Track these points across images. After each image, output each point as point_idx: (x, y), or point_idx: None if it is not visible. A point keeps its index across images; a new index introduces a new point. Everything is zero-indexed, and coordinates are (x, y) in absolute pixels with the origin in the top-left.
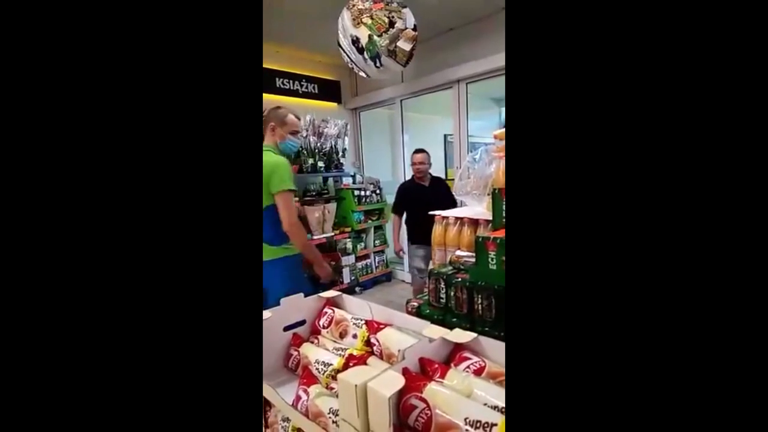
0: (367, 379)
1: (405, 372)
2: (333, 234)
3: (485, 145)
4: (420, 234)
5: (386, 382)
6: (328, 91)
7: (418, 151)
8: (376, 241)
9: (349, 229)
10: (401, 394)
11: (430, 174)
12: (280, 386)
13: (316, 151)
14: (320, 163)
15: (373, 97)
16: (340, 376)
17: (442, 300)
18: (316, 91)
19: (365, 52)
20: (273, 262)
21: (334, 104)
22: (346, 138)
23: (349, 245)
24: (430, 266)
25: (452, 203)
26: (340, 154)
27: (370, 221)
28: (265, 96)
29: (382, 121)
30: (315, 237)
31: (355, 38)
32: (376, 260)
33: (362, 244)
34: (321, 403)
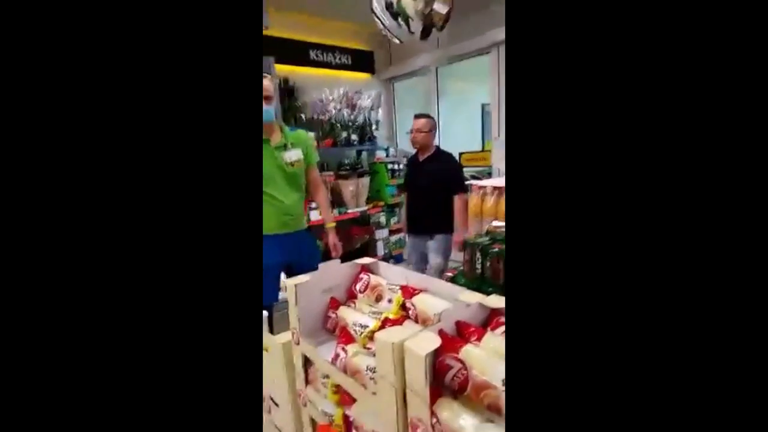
0: (404, 338)
1: (441, 334)
2: (366, 208)
3: None
4: (412, 221)
5: (423, 341)
6: (362, 61)
7: (419, 116)
8: None
9: (382, 203)
10: (437, 354)
11: (437, 147)
12: (320, 345)
13: (350, 124)
14: (354, 136)
15: (408, 66)
16: (377, 335)
17: (477, 270)
18: (350, 62)
19: (399, 17)
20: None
21: (368, 75)
22: (379, 110)
23: (383, 219)
24: (451, 254)
25: (458, 186)
26: (374, 126)
27: (403, 195)
28: (298, 69)
29: (416, 92)
30: (349, 211)
31: (388, 3)
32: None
33: (395, 218)
34: (358, 360)
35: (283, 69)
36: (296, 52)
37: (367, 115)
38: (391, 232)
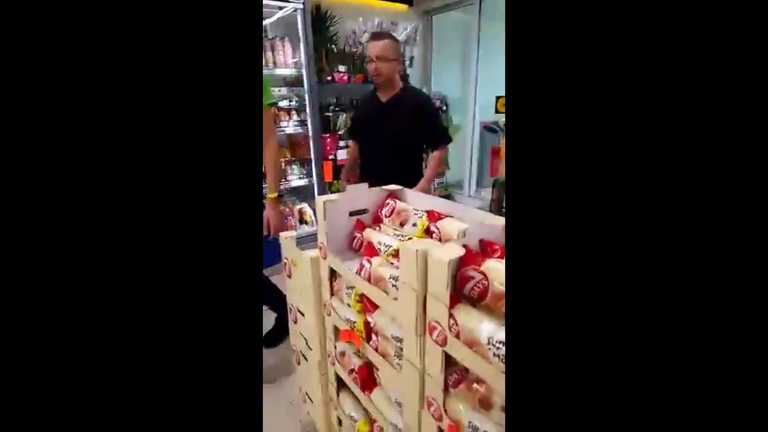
0: (428, 248)
1: (465, 248)
2: None
3: None
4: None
5: (446, 250)
6: None
7: (378, 35)
8: None
9: None
10: (459, 266)
11: (405, 84)
12: (345, 261)
13: None
14: None
15: None
16: (402, 245)
17: (504, 210)
18: None
19: None
20: None
21: (405, 6)
22: (415, 46)
23: None
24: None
25: (437, 137)
26: (407, 63)
27: (352, 145)
28: None
29: (456, 28)
30: None
31: None
32: (435, 182)
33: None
34: (383, 270)
35: None
36: None
37: (401, 50)
38: None
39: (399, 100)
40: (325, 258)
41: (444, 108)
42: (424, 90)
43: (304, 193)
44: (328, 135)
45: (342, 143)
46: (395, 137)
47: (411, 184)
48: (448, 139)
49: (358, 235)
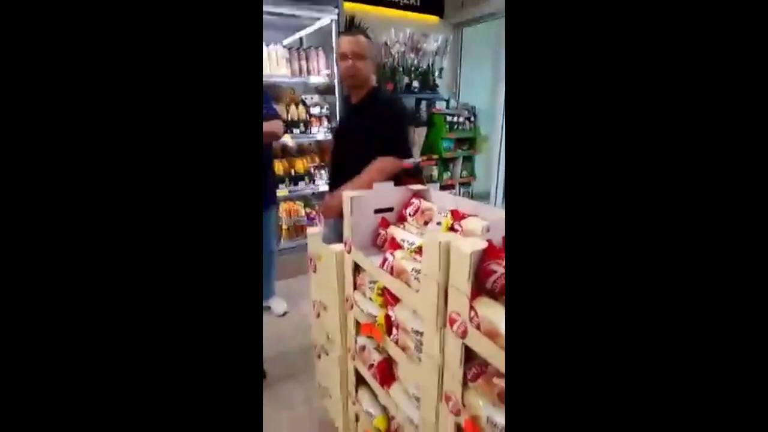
0: (451, 240)
1: (488, 243)
2: (420, 160)
3: None
4: (333, 186)
5: (469, 243)
6: (430, 2)
7: (349, 30)
8: (464, 172)
9: (436, 157)
10: (482, 260)
11: (376, 86)
12: (369, 256)
13: (412, 69)
14: (415, 83)
15: (481, 9)
16: (426, 235)
17: None
18: (418, 4)
19: None
20: None
21: (436, 18)
22: (444, 57)
23: (435, 173)
24: None
25: (390, 148)
26: (437, 74)
27: (459, 150)
28: (364, 7)
29: (486, 41)
30: (404, 162)
31: None
32: (461, 192)
33: (448, 173)
34: (405, 263)
35: (350, 6)
36: None
37: (431, 61)
38: (442, 188)
39: (371, 102)
40: (349, 252)
41: (472, 119)
42: (452, 101)
43: None
44: None
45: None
46: (366, 141)
47: None
48: (405, 153)
49: (382, 232)
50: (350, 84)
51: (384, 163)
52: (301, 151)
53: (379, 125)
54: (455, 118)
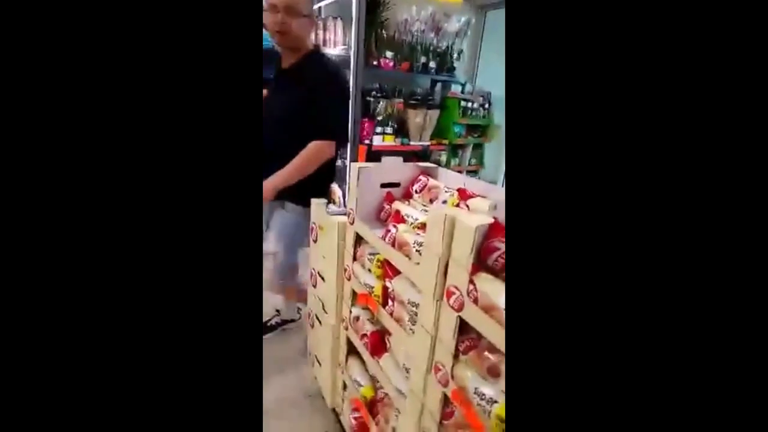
0: (456, 214)
1: (494, 220)
2: (429, 143)
3: None
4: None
5: (475, 218)
6: None
7: None
8: (472, 160)
9: (446, 142)
10: (486, 237)
11: (315, 49)
12: (372, 230)
13: (431, 49)
14: (432, 64)
15: None
16: (431, 209)
17: None
18: None
19: None
20: None
21: None
22: (465, 39)
23: (444, 158)
24: None
25: (319, 126)
26: (455, 56)
27: (470, 137)
28: None
29: None
30: (412, 143)
31: None
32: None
33: (457, 159)
34: (408, 236)
35: None
36: None
37: (451, 42)
38: None
39: (300, 70)
40: (352, 223)
41: (486, 105)
42: (468, 85)
43: (336, 174)
44: (365, 120)
45: (379, 129)
46: (284, 118)
47: (300, 188)
48: (334, 134)
49: (387, 206)
50: (279, 44)
51: (317, 151)
52: None
53: (312, 99)
54: (469, 104)
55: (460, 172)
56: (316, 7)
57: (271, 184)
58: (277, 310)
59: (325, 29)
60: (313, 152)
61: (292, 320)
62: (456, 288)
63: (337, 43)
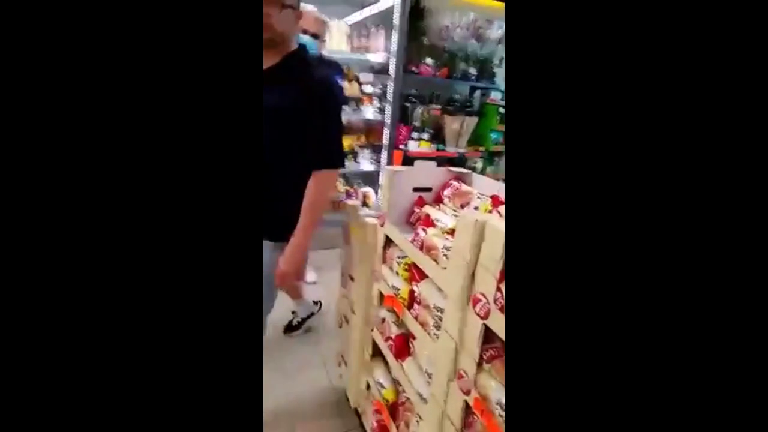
0: (487, 219)
1: None
2: (465, 150)
3: None
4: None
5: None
6: None
7: None
8: None
9: (482, 148)
10: None
11: (300, 49)
12: (402, 232)
13: (471, 55)
14: (472, 70)
15: None
16: (461, 214)
17: None
18: None
19: None
20: None
21: (502, 5)
22: None
23: (479, 165)
24: None
25: (317, 150)
26: (496, 62)
27: None
28: None
29: None
30: (448, 150)
31: None
32: None
33: (493, 167)
34: (436, 240)
35: None
36: None
37: (492, 49)
38: None
39: (280, 72)
40: (383, 226)
41: None
42: None
43: (370, 178)
44: (402, 125)
45: (415, 135)
46: (271, 132)
47: (287, 207)
48: (338, 162)
49: (418, 210)
50: (264, 39)
51: (326, 181)
52: (348, 128)
53: (302, 114)
54: None
55: (496, 179)
56: (359, 15)
57: (297, 248)
58: (293, 312)
59: (368, 37)
60: (321, 185)
61: (312, 314)
62: (483, 295)
63: (379, 49)
